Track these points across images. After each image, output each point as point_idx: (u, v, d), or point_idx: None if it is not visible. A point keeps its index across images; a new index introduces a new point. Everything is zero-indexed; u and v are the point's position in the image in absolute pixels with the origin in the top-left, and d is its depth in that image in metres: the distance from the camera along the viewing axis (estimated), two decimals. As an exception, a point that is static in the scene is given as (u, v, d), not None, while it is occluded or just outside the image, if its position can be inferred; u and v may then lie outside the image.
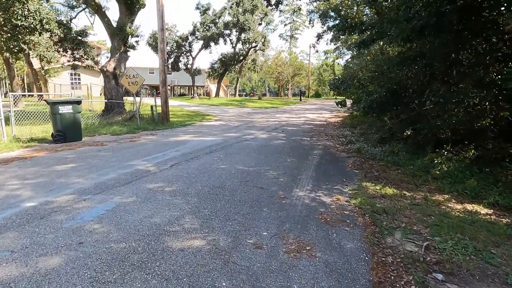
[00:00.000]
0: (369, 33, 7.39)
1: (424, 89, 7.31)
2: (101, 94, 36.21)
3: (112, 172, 5.96)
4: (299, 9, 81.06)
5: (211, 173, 6.04)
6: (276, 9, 13.03)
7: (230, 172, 6.19)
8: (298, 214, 4.24)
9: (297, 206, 4.55)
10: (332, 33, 29.37)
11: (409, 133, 7.90)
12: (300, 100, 45.88)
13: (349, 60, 66.74)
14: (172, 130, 13.15)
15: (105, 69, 16.22)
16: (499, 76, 5.70)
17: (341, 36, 49.61)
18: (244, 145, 9.16)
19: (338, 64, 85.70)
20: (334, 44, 59.40)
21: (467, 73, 6.28)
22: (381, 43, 9.57)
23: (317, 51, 37.23)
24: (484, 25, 5.69)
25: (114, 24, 16.50)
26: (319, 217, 4.17)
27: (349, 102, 13.74)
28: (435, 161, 6.70)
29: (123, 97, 18.13)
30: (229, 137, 10.60)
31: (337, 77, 10.07)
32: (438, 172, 6.27)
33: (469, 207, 4.85)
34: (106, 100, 16.33)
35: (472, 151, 6.61)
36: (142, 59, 57.53)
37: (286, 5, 17.58)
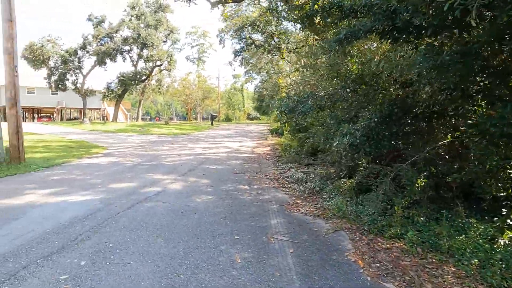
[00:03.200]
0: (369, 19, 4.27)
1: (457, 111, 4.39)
2: None
3: None
4: (206, 33, 79.76)
5: None
6: (189, 3, 9.45)
7: None
8: None
9: None
10: (245, 53, 26.78)
11: (422, 183, 4.87)
12: (212, 125, 42.35)
13: (259, 84, 67.04)
14: (21, 177, 8.00)
15: None
16: None
17: (250, 60, 48.69)
18: (143, 215, 4.93)
19: (247, 89, 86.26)
20: (244, 68, 58.77)
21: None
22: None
23: (234, 70, 34.41)
24: None
25: None
26: None
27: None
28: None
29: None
30: (116, 193, 6.19)
31: (289, 96, 6.65)
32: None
33: None
34: None
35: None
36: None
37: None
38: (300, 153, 11.33)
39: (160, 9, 39.43)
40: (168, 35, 40.94)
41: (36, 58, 35.97)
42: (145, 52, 38.78)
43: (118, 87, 39.17)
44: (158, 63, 40.21)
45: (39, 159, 10.81)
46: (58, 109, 49.61)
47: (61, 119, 49.58)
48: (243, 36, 20.30)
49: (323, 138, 7.37)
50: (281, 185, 7.32)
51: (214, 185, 7.13)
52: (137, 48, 38.03)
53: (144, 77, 40.19)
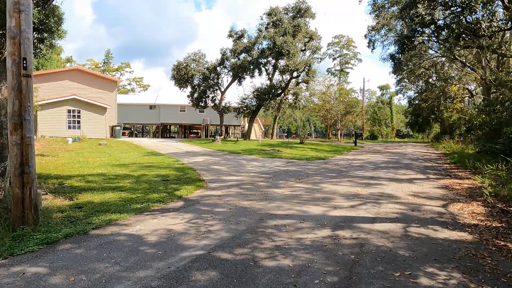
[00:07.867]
0: None
1: None
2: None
3: None
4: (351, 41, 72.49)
5: None
6: None
7: None
8: None
9: None
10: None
11: None
12: (355, 145, 34.73)
13: (416, 95, 54.49)
14: None
15: None
16: None
17: (404, 67, 38.58)
18: None
19: (399, 102, 73.60)
20: (397, 76, 48.37)
21: None
22: None
23: (400, 64, 26.27)
24: None
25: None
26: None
27: None
28: None
29: None
30: None
31: None
32: None
33: None
34: None
35: None
36: (172, 95, 51.14)
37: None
38: None
39: (299, 14, 35.08)
40: (307, 42, 36.10)
41: (182, 77, 36.60)
42: (281, 62, 34.91)
43: (254, 104, 36.59)
44: (295, 74, 35.72)
45: (83, 210, 6.61)
46: (203, 126, 51.61)
47: (206, 135, 51.24)
48: (415, 15, 12.89)
49: None
50: None
51: None
52: (272, 58, 34.51)
53: (279, 91, 36.38)
